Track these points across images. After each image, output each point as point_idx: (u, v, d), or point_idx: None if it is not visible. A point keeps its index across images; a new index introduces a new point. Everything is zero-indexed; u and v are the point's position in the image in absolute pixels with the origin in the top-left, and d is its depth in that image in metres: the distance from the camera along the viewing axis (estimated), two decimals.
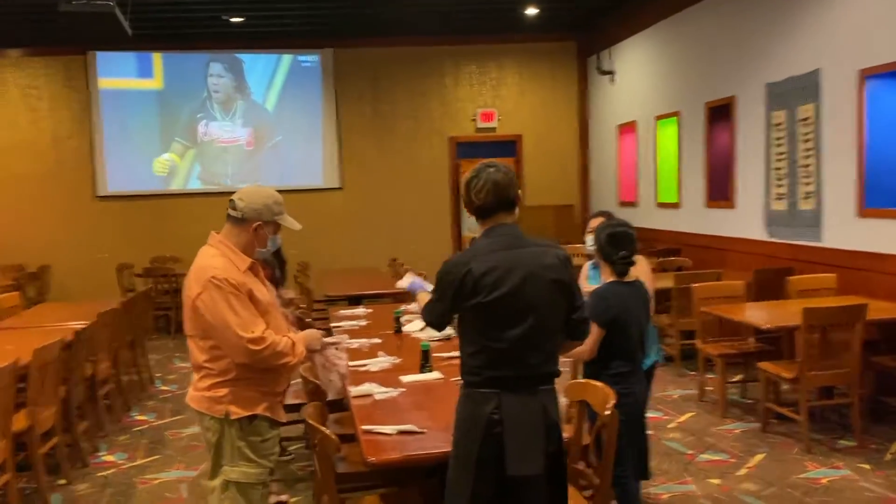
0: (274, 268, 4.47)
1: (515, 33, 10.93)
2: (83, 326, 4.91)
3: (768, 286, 6.45)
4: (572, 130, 11.52)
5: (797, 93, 6.55)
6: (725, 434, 5.20)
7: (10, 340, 4.99)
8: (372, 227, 10.97)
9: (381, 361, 4.11)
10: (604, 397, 3.10)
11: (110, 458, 5.15)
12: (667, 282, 6.66)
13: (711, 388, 5.90)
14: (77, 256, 10.42)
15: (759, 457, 4.76)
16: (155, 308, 9.21)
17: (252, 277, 2.91)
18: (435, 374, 3.76)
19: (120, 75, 10.57)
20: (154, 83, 10.66)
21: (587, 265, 4.12)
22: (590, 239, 3.82)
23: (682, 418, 5.57)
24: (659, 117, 9.15)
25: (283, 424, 3.12)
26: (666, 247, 8.78)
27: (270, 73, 10.92)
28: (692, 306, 5.96)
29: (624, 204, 10.28)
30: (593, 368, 3.43)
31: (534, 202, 11.22)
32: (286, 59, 10.91)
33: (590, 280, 4.00)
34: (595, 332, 3.34)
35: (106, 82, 10.53)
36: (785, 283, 6.01)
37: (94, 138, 10.54)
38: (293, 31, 10.32)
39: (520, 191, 2.72)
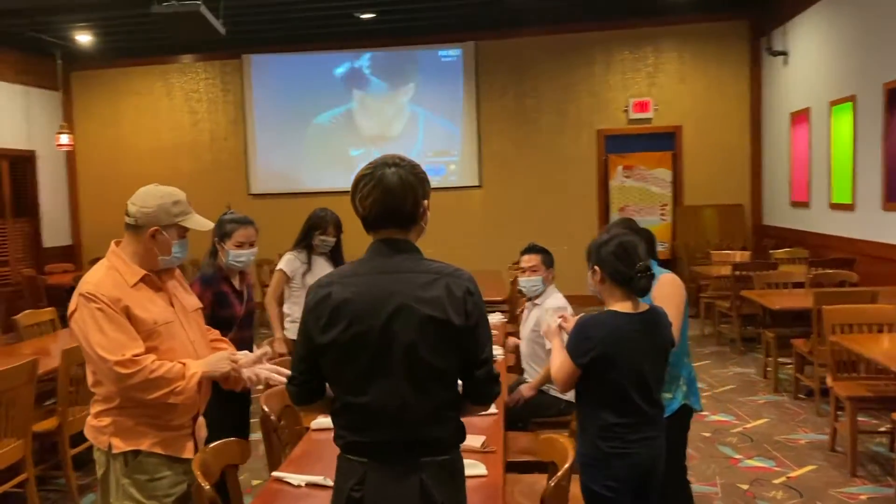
0: (234, 278, 3.87)
1: (675, 14, 9.83)
2: None
3: None
4: (741, 120, 10.16)
5: None
6: (846, 499, 4.10)
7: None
8: (511, 227, 10.29)
9: None
10: (562, 459, 2.41)
11: None
12: (806, 300, 5.53)
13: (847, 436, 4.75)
14: None
15: None
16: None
17: (146, 291, 2.54)
18: None
19: (270, 78, 10.87)
20: (297, 85, 10.83)
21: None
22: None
23: (797, 472, 4.50)
24: (833, 102, 7.74)
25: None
26: (839, 256, 7.39)
27: (409, 70, 10.70)
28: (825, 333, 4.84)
29: (796, 204, 8.88)
30: (582, 418, 2.70)
31: (694, 201, 10.11)
32: (424, 54, 10.64)
33: None
34: (567, 365, 2.61)
35: (258, 84, 10.87)
36: None
37: (247, 138, 10.94)
38: (425, 25, 9.97)
39: (426, 201, 2.03)
